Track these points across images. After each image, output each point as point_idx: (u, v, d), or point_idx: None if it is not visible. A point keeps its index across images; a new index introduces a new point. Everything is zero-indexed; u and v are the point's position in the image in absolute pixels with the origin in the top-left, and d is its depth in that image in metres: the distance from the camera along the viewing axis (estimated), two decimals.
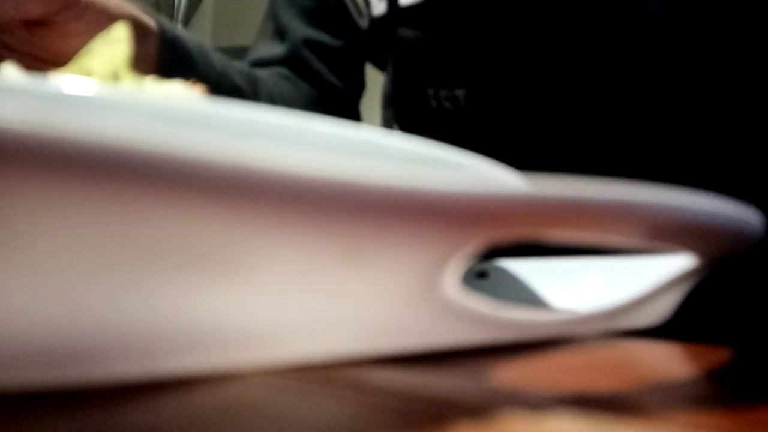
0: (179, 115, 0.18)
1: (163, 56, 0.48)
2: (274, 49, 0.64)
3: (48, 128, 0.12)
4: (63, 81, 0.18)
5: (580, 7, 0.47)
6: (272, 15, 0.65)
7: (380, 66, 0.63)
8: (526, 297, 0.31)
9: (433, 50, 0.53)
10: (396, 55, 0.55)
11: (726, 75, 0.47)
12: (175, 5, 2.17)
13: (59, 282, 0.14)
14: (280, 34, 0.64)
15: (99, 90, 0.18)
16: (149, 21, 0.48)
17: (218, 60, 0.54)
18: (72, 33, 0.42)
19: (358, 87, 0.66)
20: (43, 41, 0.42)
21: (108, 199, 0.13)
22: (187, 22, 2.20)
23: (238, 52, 0.66)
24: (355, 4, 0.60)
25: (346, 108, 0.65)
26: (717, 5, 0.46)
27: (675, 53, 0.47)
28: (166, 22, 0.50)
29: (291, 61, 0.63)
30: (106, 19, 0.44)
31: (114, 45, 0.25)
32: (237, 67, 0.57)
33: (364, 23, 0.61)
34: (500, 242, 0.18)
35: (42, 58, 0.42)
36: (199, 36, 2.21)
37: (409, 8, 0.54)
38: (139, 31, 0.47)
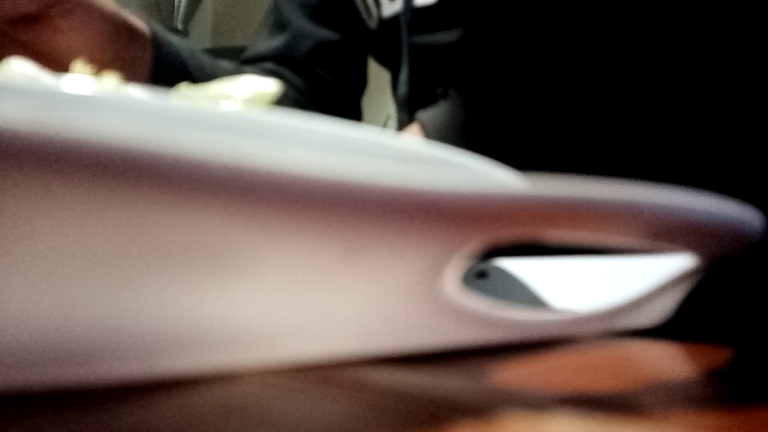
0: (179, 115, 0.18)
1: (157, 60, 0.49)
2: (272, 42, 0.64)
3: (48, 128, 0.12)
4: (63, 81, 0.18)
5: (588, 1, 0.47)
6: (274, 9, 0.65)
7: (387, 64, 0.63)
8: (526, 297, 0.31)
9: (443, 49, 0.53)
10: (411, 59, 0.55)
11: (730, 73, 0.47)
12: (175, 5, 2.17)
13: (59, 282, 0.14)
14: (280, 26, 0.64)
15: (99, 90, 0.18)
16: (141, 25, 0.49)
17: (207, 63, 0.55)
18: (62, 29, 0.43)
19: (358, 84, 0.66)
20: (35, 38, 0.43)
21: (108, 199, 0.13)
22: (187, 22, 2.20)
23: (238, 53, 0.66)
24: (365, 4, 0.60)
25: (345, 105, 0.65)
26: None
27: (681, 48, 0.47)
28: (158, 26, 0.51)
29: (287, 54, 0.63)
30: (97, 17, 0.45)
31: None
32: (224, 69, 0.57)
33: (372, 23, 0.61)
34: (500, 242, 0.18)
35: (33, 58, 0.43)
36: (199, 36, 2.21)
37: (421, 9, 0.54)
38: (130, 33, 0.48)
